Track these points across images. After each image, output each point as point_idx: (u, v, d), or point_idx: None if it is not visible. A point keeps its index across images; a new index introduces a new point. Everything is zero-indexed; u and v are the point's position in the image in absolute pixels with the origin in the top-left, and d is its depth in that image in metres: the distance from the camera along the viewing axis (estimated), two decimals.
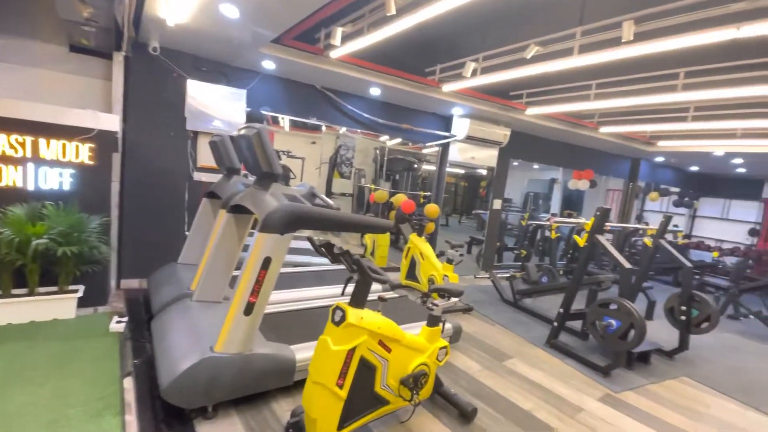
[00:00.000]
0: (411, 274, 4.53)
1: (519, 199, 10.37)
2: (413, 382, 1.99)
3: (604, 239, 3.24)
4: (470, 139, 5.21)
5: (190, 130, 3.72)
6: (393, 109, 4.98)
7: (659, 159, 7.50)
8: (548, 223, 5.42)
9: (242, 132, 2.26)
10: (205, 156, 3.73)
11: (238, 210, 2.46)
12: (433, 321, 2.21)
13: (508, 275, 4.79)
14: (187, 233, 3.47)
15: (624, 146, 6.43)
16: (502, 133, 5.40)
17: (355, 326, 1.73)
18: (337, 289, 1.94)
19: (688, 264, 3.60)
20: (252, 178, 2.50)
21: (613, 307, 3.00)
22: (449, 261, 3.95)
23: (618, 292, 3.36)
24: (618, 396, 2.80)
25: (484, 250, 6.06)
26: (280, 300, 3.11)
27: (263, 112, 4.09)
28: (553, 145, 6.51)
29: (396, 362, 1.96)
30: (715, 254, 6.18)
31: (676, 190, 8.60)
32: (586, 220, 3.40)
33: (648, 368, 3.30)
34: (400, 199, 4.63)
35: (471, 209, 10.10)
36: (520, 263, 6.01)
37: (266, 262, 1.95)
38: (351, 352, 1.74)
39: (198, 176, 3.81)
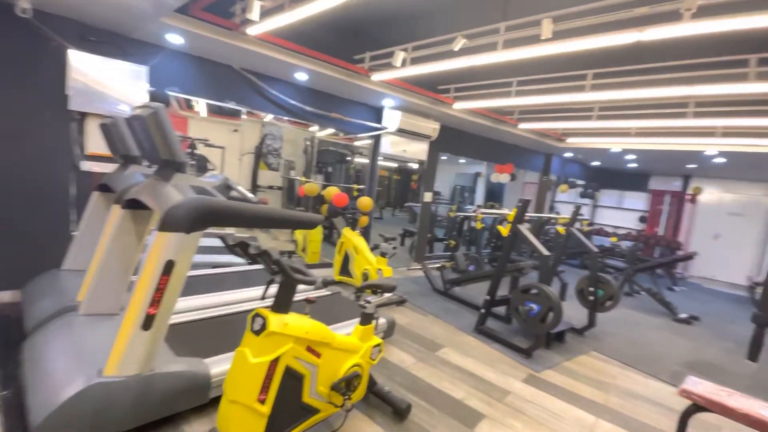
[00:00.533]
0: (345, 269, 4.40)
1: (447, 192, 10.79)
2: (345, 385, 1.87)
3: (525, 229, 3.42)
4: (402, 132, 5.20)
5: (75, 111, 3.11)
6: (322, 97, 4.75)
7: (568, 154, 8.29)
8: (474, 214, 5.66)
9: (137, 112, 1.90)
10: (96, 142, 3.16)
11: (134, 205, 2.09)
12: (366, 319, 2.10)
13: (438, 265, 4.89)
14: (74, 233, 2.91)
15: (539, 142, 6.96)
16: (432, 127, 5.48)
17: (278, 334, 1.55)
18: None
19: (595, 249, 3.98)
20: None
21: (533, 292, 3.18)
22: (383, 254, 3.90)
23: (537, 277, 3.59)
24: (539, 375, 2.98)
25: (416, 242, 6.15)
26: (194, 307, 2.76)
27: (170, 93, 3.60)
28: (478, 140, 6.81)
29: (326, 367, 1.82)
30: (614, 239, 7.02)
31: (582, 182, 9.61)
32: (509, 211, 3.57)
33: (563, 346, 3.58)
34: (332, 192, 4.45)
35: (404, 202, 10.27)
36: (449, 253, 6.21)
37: (168, 266, 1.66)
38: (274, 363, 1.55)
39: (87, 166, 3.22)
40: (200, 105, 4.09)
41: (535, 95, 4.25)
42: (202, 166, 4.52)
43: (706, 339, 4.38)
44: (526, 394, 2.69)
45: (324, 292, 3.48)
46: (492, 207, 8.56)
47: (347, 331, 2.11)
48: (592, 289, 3.90)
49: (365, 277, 3.92)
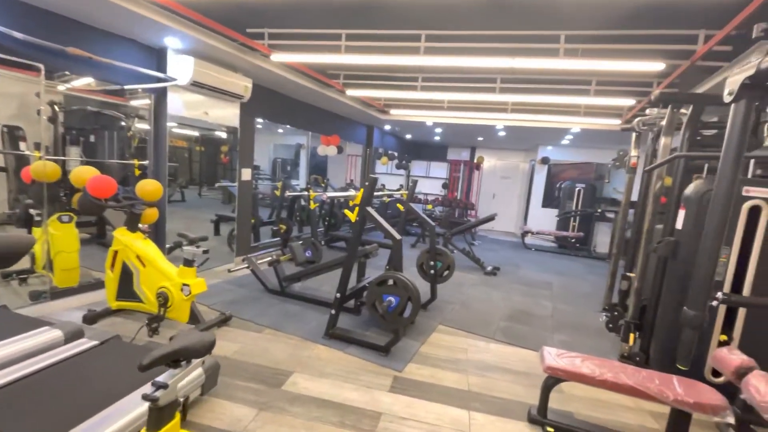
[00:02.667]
0: (126, 290, 2.93)
1: (267, 165, 9.58)
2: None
3: (374, 211, 2.94)
4: (198, 86, 3.81)
5: None
6: (52, 20, 2.90)
7: (387, 127, 8.46)
8: (306, 194, 4.94)
9: None
10: None
11: None
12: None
13: (270, 259, 3.98)
14: None
15: (363, 113, 6.71)
16: (243, 85, 4.30)
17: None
18: None
19: (432, 223, 3.92)
20: None
21: (390, 283, 2.76)
22: (188, 263, 2.71)
23: (388, 262, 3.22)
24: (403, 375, 2.64)
25: (236, 231, 4.97)
26: None
27: None
28: (302, 107, 5.98)
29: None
30: (429, 206, 7.65)
31: (396, 154, 10.18)
32: (356, 192, 3.01)
33: (415, 327, 3.40)
34: (84, 174, 2.79)
35: (214, 180, 8.50)
36: (280, 239, 5.33)
37: None
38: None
39: None
40: None
41: (365, 53, 3.73)
42: None
43: (509, 286, 5.15)
44: (398, 408, 2.27)
45: (76, 347, 2.08)
46: (316, 181, 8.01)
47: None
48: (432, 262, 3.86)
49: (163, 298, 2.66)
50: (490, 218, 5.94)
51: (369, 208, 2.90)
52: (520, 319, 3.94)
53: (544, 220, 8.96)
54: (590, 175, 9.40)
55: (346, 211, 3.04)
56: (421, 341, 3.19)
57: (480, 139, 9.01)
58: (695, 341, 1.24)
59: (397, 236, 2.83)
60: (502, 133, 7.60)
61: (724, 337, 2.55)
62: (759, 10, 2.33)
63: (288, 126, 6.06)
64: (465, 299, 4.42)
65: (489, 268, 5.72)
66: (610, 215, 8.05)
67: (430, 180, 10.76)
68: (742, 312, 2.47)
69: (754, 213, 2.44)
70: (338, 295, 2.99)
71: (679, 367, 1.70)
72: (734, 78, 1.02)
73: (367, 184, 2.86)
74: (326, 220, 6.15)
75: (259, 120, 5.36)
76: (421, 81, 4.74)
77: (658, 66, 3.02)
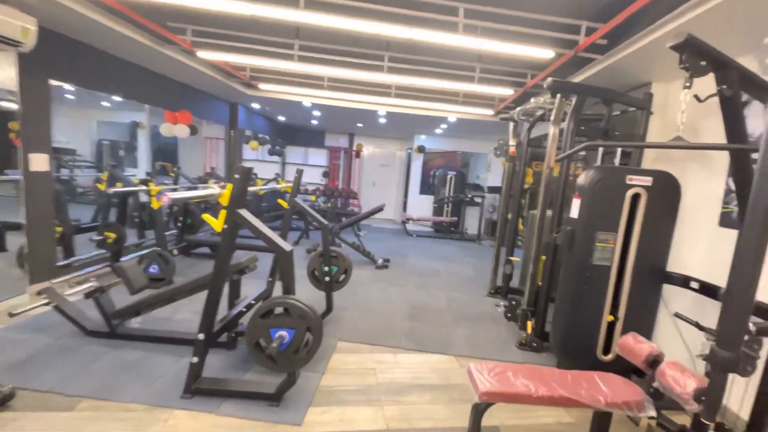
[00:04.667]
0: None
1: (89, 149, 7.23)
2: None
3: (248, 214, 2.15)
4: None
5: None
6: None
7: (256, 105, 7.28)
8: (145, 188, 3.67)
9: None
10: None
11: None
12: None
13: (88, 286, 2.72)
14: None
15: (224, 86, 5.49)
16: (18, 25, 2.79)
17: None
18: None
19: (326, 222, 3.29)
20: None
21: (279, 311, 2.05)
22: None
23: (271, 272, 2.48)
24: (303, 429, 2.00)
25: (27, 246, 3.37)
26: None
27: None
28: (134, 71, 4.47)
29: None
30: (313, 197, 6.92)
31: (267, 138, 9.02)
32: (220, 189, 2.14)
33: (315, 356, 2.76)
34: None
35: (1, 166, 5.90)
36: (108, 253, 3.89)
37: None
38: None
39: None
40: None
41: None
42: None
43: (403, 279, 4.92)
44: None
45: None
46: (165, 171, 6.37)
47: None
48: (326, 268, 3.25)
49: None
50: (379, 209, 5.62)
51: (243, 211, 2.10)
52: (420, 317, 3.68)
53: (422, 206, 9.24)
54: (458, 163, 10.09)
55: (207, 217, 2.14)
56: (321, 371, 2.58)
57: (360, 125, 8.63)
58: (723, 391, 0.98)
59: (287, 247, 2.11)
60: (383, 120, 7.35)
61: (611, 317, 2.70)
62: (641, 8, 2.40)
63: (117, 98, 4.48)
64: (362, 302, 3.96)
65: (380, 261, 5.41)
66: (478, 200, 8.74)
67: (309, 168, 9.95)
68: (625, 295, 2.63)
69: (635, 200, 2.60)
70: (201, 336, 2.12)
71: (705, 421, 1.50)
72: None
73: (237, 177, 2.04)
74: (179, 221, 4.84)
75: (65, 86, 3.75)
76: (298, 49, 3.96)
77: (548, 53, 3.01)
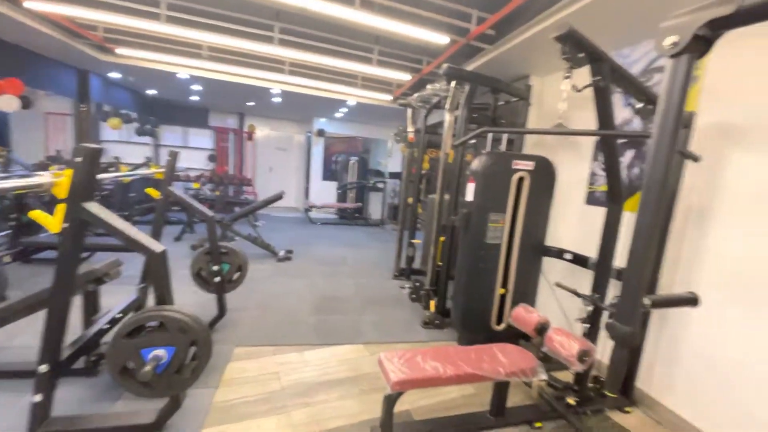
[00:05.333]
0: None
1: None
2: None
3: (99, 208, 1.69)
4: None
5: None
6: None
7: (115, 75, 6.02)
8: None
9: None
10: None
11: None
12: None
13: None
14: None
15: (68, 47, 4.36)
16: None
17: None
18: None
19: (211, 214, 2.86)
20: None
21: (152, 325, 1.67)
22: None
23: (142, 278, 2.05)
24: None
25: None
26: None
27: None
28: None
29: None
30: (196, 185, 6.08)
31: (134, 116, 7.63)
32: (52, 177, 1.61)
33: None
34: None
35: None
36: None
37: None
38: None
39: None
40: None
41: None
42: None
43: (308, 270, 4.68)
44: None
45: None
46: None
47: None
48: (216, 267, 2.85)
49: None
50: (278, 197, 5.21)
51: (91, 204, 1.63)
52: (329, 308, 3.54)
53: (325, 193, 8.99)
54: (359, 149, 10.06)
55: (37, 214, 1.60)
56: (215, 384, 2.26)
57: (251, 104, 7.87)
58: (626, 362, 1.05)
59: (157, 248, 1.72)
60: (277, 99, 6.80)
61: (502, 290, 2.94)
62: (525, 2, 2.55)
63: None
64: (262, 299, 3.62)
65: (282, 253, 5.06)
66: (380, 186, 8.86)
67: (191, 151, 8.75)
68: (513, 269, 2.88)
69: (520, 183, 2.83)
70: (44, 368, 1.62)
71: (608, 393, 1.63)
72: (682, 25, 0.78)
73: (80, 160, 1.56)
74: (12, 219, 3.74)
75: None
76: (166, 8, 3.30)
77: (443, 39, 3.05)
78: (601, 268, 2.24)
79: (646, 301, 0.93)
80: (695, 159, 1.91)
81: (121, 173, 4.20)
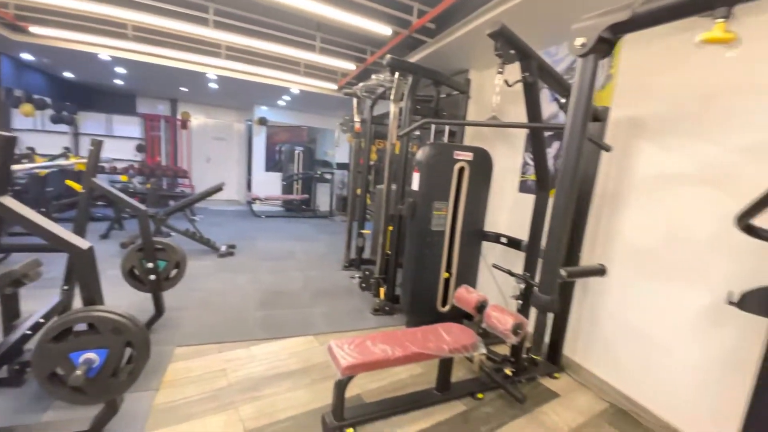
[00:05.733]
0: None
1: None
2: None
3: (14, 202, 1.51)
4: None
5: None
6: None
7: (27, 56, 5.26)
8: None
9: None
10: None
11: None
12: None
13: None
14: None
15: None
16: None
17: None
18: None
19: (143, 208, 2.66)
20: None
21: (82, 329, 1.55)
22: None
23: (66, 280, 1.88)
24: None
25: None
26: None
27: None
28: None
29: None
30: (124, 178, 5.57)
31: (49, 101, 6.76)
32: None
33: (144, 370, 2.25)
34: None
35: None
36: None
37: None
38: None
39: None
40: None
41: None
42: None
43: (253, 265, 4.54)
44: None
45: None
46: None
47: None
48: (150, 265, 2.67)
49: None
50: (218, 188, 4.96)
51: (6, 198, 1.45)
52: (277, 303, 3.48)
53: (270, 184, 8.69)
54: (303, 138, 9.83)
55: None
56: (156, 387, 2.14)
57: (184, 90, 7.33)
58: (546, 326, 1.18)
59: (83, 244, 1.58)
60: (213, 86, 6.41)
61: (447, 274, 3.10)
62: None
63: None
64: (204, 297, 3.46)
65: (223, 249, 4.84)
66: (328, 177, 8.76)
67: (116, 140, 7.96)
68: (456, 253, 3.05)
69: (461, 172, 2.98)
70: None
71: (534, 357, 1.78)
72: (589, 28, 0.89)
73: None
74: None
75: None
76: None
77: (386, 30, 3.08)
78: (531, 250, 2.45)
79: (563, 272, 1.07)
80: (607, 149, 2.16)
81: (36, 164, 3.73)
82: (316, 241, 6.18)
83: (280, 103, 7.93)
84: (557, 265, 1.00)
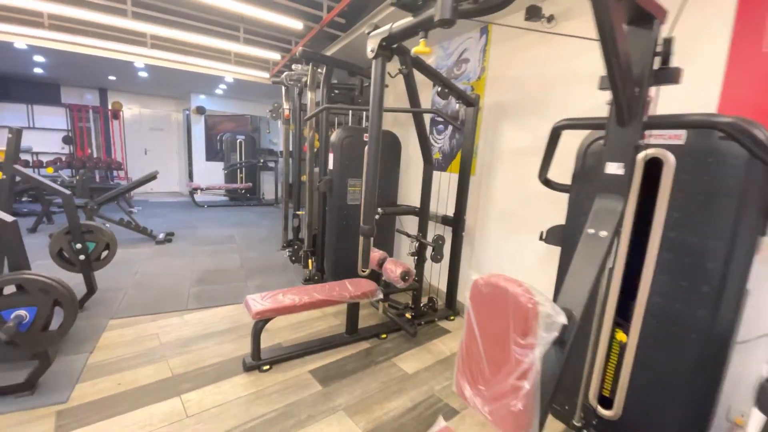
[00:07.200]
0: None
1: None
2: None
3: None
4: None
5: None
6: None
7: None
8: None
9: None
10: None
11: None
12: None
13: None
14: None
15: None
16: None
17: None
18: None
19: (66, 191, 2.82)
20: None
21: (10, 292, 1.79)
22: None
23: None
24: (71, 404, 1.89)
25: None
26: None
27: None
28: None
29: None
30: (50, 170, 5.42)
31: None
32: None
33: (70, 338, 2.47)
34: None
35: None
36: None
37: None
38: None
39: None
40: None
41: None
42: None
43: (191, 250, 4.71)
44: None
45: None
46: None
47: None
48: (79, 246, 2.84)
49: None
50: (152, 177, 5.03)
51: None
52: (212, 280, 3.74)
53: (212, 174, 8.67)
54: (247, 127, 9.82)
55: None
56: (90, 350, 2.38)
57: (112, 78, 7.11)
58: (370, 247, 1.61)
59: (7, 218, 1.80)
60: (144, 74, 6.32)
61: None
62: None
63: None
64: (140, 279, 3.65)
65: (161, 236, 4.96)
66: (271, 164, 8.89)
67: (40, 132, 7.56)
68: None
69: None
70: None
71: (362, 271, 2.23)
72: (372, 38, 1.30)
73: None
74: None
75: None
76: None
77: (297, 24, 3.38)
78: (423, 214, 2.94)
79: (380, 210, 1.49)
80: (456, 125, 2.67)
81: None
82: (258, 227, 6.40)
83: (218, 92, 7.92)
84: (374, 206, 1.44)
